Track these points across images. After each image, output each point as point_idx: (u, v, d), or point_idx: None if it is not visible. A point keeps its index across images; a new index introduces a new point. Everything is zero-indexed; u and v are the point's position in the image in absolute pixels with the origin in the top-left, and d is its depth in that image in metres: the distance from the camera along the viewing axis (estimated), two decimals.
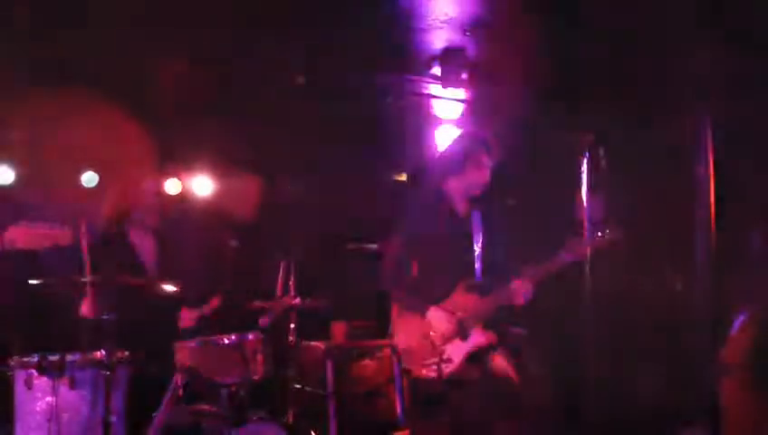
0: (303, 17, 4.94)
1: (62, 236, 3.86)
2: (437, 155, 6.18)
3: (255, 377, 5.06)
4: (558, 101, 5.51)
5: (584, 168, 3.78)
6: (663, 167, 5.63)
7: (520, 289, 4.20)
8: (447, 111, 6.48)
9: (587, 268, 3.86)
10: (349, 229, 6.99)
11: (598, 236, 4.11)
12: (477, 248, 4.42)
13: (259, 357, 5.08)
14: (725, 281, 5.02)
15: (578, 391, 4.13)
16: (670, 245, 5.55)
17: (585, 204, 3.83)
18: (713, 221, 5.22)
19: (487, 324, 4.31)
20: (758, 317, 4.26)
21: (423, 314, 4.31)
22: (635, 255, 5.34)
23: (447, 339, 4.26)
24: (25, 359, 4.42)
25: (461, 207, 4.53)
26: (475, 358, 4.28)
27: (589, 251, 4.05)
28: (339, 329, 6.50)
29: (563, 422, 4.30)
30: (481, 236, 4.43)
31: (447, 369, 4.19)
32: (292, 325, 5.46)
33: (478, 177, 4.45)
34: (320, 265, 6.45)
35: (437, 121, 6.55)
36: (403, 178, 7.63)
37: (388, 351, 5.97)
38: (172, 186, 6.69)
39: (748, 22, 4.59)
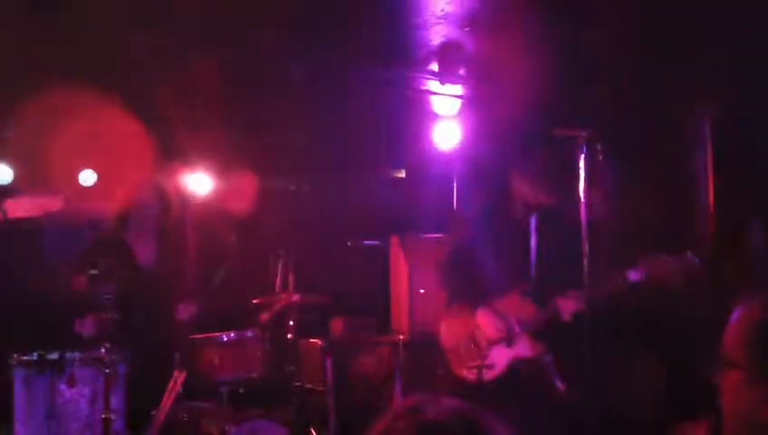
0: (302, 14, 4.93)
1: (53, 202, 3.90)
2: (448, 150, 6.14)
3: (255, 374, 5.07)
4: (557, 98, 5.51)
5: (582, 164, 3.76)
6: (663, 164, 5.62)
7: (572, 305, 3.93)
8: (445, 107, 6.47)
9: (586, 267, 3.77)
10: (348, 225, 7.00)
11: (672, 259, 3.88)
12: (534, 254, 4.22)
13: (258, 354, 5.09)
14: (725, 277, 5.02)
15: (577, 390, 4.09)
16: (669, 241, 5.55)
17: (583, 200, 3.78)
18: (712, 217, 5.22)
19: (536, 336, 4.12)
20: (757, 309, 4.26)
21: (472, 314, 4.18)
22: (635, 251, 5.33)
23: (493, 343, 4.11)
24: (25, 357, 4.42)
25: (519, 209, 4.35)
26: (518, 369, 4.12)
27: (662, 273, 3.87)
28: (338, 325, 6.51)
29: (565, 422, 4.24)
30: (537, 241, 4.22)
31: (488, 374, 4.05)
32: (292, 322, 5.46)
33: (544, 184, 4.24)
34: (319, 262, 6.45)
35: (435, 117, 6.55)
36: (401, 174, 7.63)
37: (387, 347, 5.98)
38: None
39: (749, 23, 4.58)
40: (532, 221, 4.26)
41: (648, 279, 3.88)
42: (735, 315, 4.28)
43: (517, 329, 4.10)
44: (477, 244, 4.31)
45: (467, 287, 4.26)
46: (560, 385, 4.13)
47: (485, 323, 4.15)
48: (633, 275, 3.86)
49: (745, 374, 2.23)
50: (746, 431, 2.25)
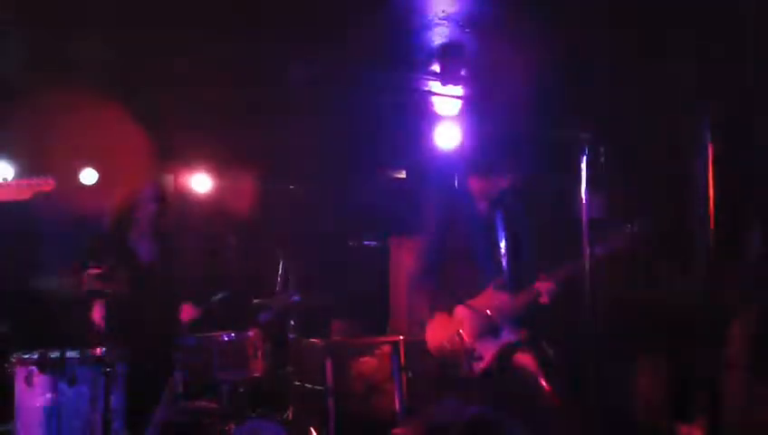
0: (303, 14, 4.94)
1: (45, 183, 3.92)
2: (455, 152, 6.19)
3: (255, 374, 5.08)
4: (557, 98, 5.51)
5: (584, 165, 3.77)
6: (662, 165, 5.63)
7: (547, 288, 4.21)
8: (447, 108, 6.47)
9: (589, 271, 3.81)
10: (348, 226, 7.01)
11: (628, 229, 4.11)
12: (503, 247, 4.41)
13: (259, 354, 5.10)
14: (724, 279, 5.02)
15: (578, 388, 4.12)
16: (669, 242, 5.55)
17: (585, 201, 3.80)
18: (712, 219, 5.22)
19: (517, 322, 4.31)
20: (761, 312, 4.28)
21: (452, 312, 4.28)
22: (634, 252, 5.34)
23: (478, 336, 4.23)
24: (26, 356, 4.43)
25: (482, 206, 4.50)
26: (506, 356, 4.27)
27: (621, 244, 4.08)
28: (338, 326, 6.51)
29: (566, 419, 4.28)
30: (504, 235, 4.44)
31: (478, 366, 4.18)
32: (292, 322, 5.47)
33: (501, 179, 4.43)
34: (319, 262, 6.46)
35: (436, 118, 6.55)
36: (401, 175, 7.64)
37: (387, 347, 5.98)
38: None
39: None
40: (497, 215, 4.45)
41: (609, 253, 4.10)
42: (740, 318, 4.29)
43: (497, 319, 4.26)
44: (445, 245, 4.43)
45: (443, 290, 4.37)
46: (543, 382, 4.24)
47: (468, 319, 4.25)
48: (598, 250, 3.96)
49: (748, 375, 2.25)
50: (748, 431, 2.27)
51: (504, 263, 4.41)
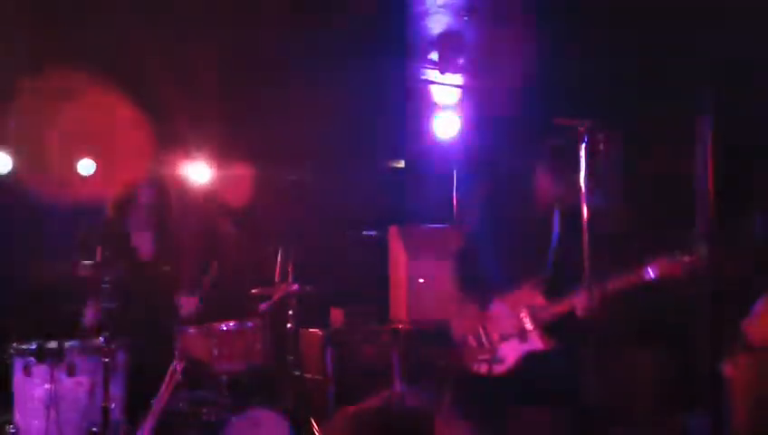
0: (301, 2, 4.92)
1: None
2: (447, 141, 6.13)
3: (255, 364, 5.08)
4: (557, 89, 5.50)
5: (582, 155, 3.73)
6: (663, 157, 5.62)
7: (586, 300, 3.80)
8: (445, 97, 6.46)
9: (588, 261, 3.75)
10: (347, 215, 7.00)
11: (688, 256, 3.79)
12: (553, 249, 4.14)
13: (258, 344, 5.10)
14: (726, 267, 5.02)
15: (580, 379, 4.07)
16: (670, 233, 5.55)
17: (584, 191, 3.74)
18: (712, 209, 5.22)
19: (547, 330, 4.04)
20: None
21: (484, 306, 4.12)
22: (636, 242, 5.33)
23: (505, 337, 4.06)
24: (24, 346, 4.43)
25: (542, 202, 4.24)
26: (528, 362, 4.03)
27: (678, 272, 3.77)
28: (338, 315, 6.51)
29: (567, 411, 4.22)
30: (558, 236, 4.15)
31: (498, 368, 4.01)
32: (291, 312, 5.46)
33: (570, 181, 3.98)
34: (318, 252, 6.45)
35: (435, 107, 6.54)
36: (400, 164, 7.63)
37: (386, 336, 5.99)
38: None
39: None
40: (555, 215, 4.18)
41: (662, 277, 3.79)
42: (759, 304, 4.24)
43: (529, 323, 4.04)
44: (486, 236, 4.27)
45: (477, 280, 4.19)
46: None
47: (497, 316, 4.09)
48: (648, 274, 3.78)
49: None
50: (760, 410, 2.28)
51: (549, 264, 4.12)
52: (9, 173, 6.41)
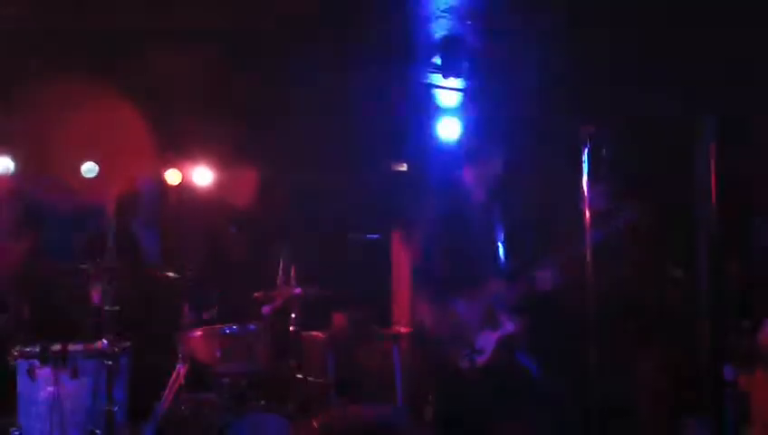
0: (304, 6, 4.93)
1: None
2: (450, 144, 6.19)
3: (257, 367, 5.08)
4: (559, 93, 5.50)
5: (585, 157, 3.77)
6: (664, 160, 5.63)
7: (545, 275, 4.12)
8: (448, 101, 6.47)
9: (589, 259, 3.80)
10: (350, 219, 7.00)
11: (619, 215, 4.07)
12: (501, 237, 4.35)
13: (260, 347, 5.10)
14: (727, 272, 5.03)
15: (581, 383, 4.10)
16: (671, 237, 5.55)
17: (587, 193, 3.80)
18: (713, 213, 5.23)
19: (515, 311, 4.23)
20: None
21: (451, 305, 4.23)
22: (637, 247, 5.34)
23: (478, 329, 4.18)
24: (28, 349, 4.44)
25: (479, 195, 4.43)
26: (505, 346, 4.20)
27: (613, 227, 4.03)
28: (340, 319, 6.51)
29: (566, 414, 4.27)
30: (503, 225, 4.37)
31: (480, 360, 4.12)
32: (294, 315, 5.47)
33: (495, 166, 4.37)
34: (321, 255, 6.46)
35: (438, 111, 6.55)
36: (403, 167, 7.63)
37: (389, 340, 5.99)
38: (173, 177, 6.68)
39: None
40: (495, 205, 4.37)
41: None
42: None
43: (496, 309, 4.19)
44: (441, 238, 4.37)
45: (441, 282, 4.31)
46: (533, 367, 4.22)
47: (465, 311, 4.21)
48: (594, 236, 3.89)
49: None
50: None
51: (501, 253, 4.34)
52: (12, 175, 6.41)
